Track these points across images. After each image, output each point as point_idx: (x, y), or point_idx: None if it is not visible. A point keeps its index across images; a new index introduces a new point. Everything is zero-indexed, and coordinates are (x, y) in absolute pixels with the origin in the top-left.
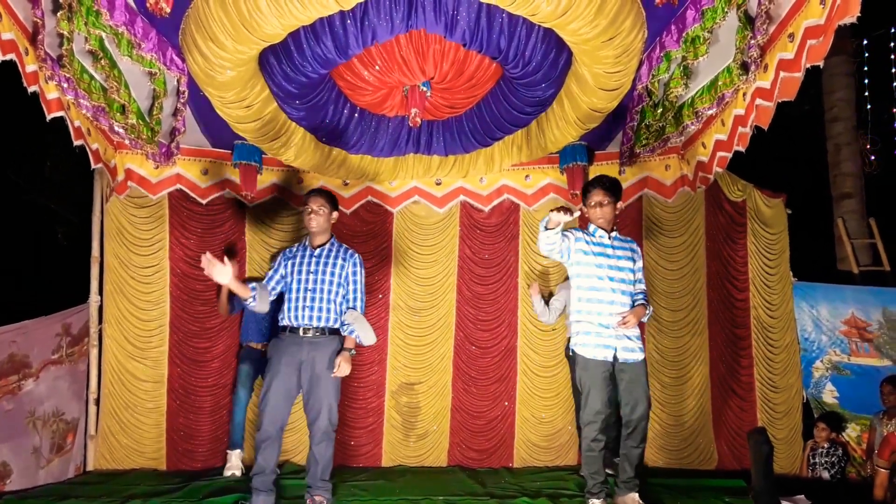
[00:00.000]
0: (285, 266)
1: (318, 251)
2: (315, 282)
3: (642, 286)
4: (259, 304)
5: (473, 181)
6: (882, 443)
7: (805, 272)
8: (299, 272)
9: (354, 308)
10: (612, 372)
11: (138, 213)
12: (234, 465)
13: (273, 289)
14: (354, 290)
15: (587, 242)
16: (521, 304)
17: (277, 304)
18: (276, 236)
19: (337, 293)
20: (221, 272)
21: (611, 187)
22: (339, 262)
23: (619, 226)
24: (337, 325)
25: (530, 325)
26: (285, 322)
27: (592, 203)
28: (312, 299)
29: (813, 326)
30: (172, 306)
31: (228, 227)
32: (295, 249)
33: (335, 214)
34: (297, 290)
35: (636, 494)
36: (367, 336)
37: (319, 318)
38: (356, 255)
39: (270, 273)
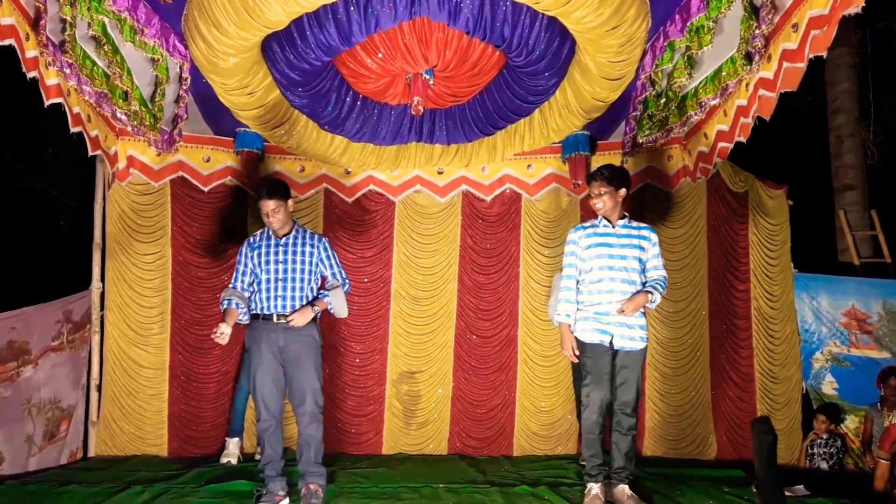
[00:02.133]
0: (251, 258)
1: (283, 240)
2: (285, 271)
3: (659, 273)
4: (246, 311)
5: (475, 170)
6: (883, 434)
7: (806, 263)
8: (267, 262)
9: (337, 283)
10: (612, 358)
11: (140, 200)
12: (230, 452)
13: (247, 288)
14: (334, 269)
15: (588, 236)
16: (523, 293)
17: None
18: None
19: (308, 280)
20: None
21: (609, 176)
22: (308, 248)
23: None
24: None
25: (531, 315)
26: (258, 311)
27: (593, 194)
28: (284, 288)
29: (813, 318)
30: (174, 293)
31: (230, 214)
32: (258, 239)
33: (291, 203)
34: (268, 281)
35: (626, 486)
36: (339, 307)
37: (294, 307)
38: (323, 238)
39: (240, 270)
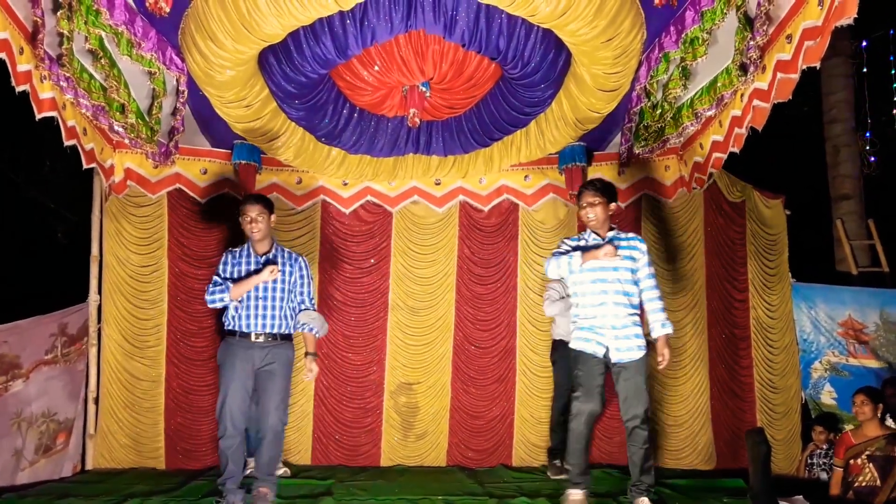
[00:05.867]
0: (233, 271)
1: (263, 258)
2: (265, 290)
3: (656, 293)
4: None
5: (473, 181)
6: (837, 442)
7: (804, 273)
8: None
9: (309, 308)
10: (607, 370)
11: (137, 213)
12: (252, 466)
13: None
14: (305, 293)
15: (578, 248)
16: (521, 304)
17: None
18: (275, 235)
19: (287, 299)
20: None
21: (601, 188)
22: (287, 268)
23: (618, 226)
24: (288, 331)
25: (529, 326)
26: (235, 327)
27: (583, 205)
28: (264, 307)
29: (811, 327)
30: (170, 305)
31: (227, 226)
32: (238, 255)
33: (274, 218)
34: (248, 298)
35: (645, 498)
36: (323, 329)
37: (273, 326)
38: (301, 257)
39: (221, 276)
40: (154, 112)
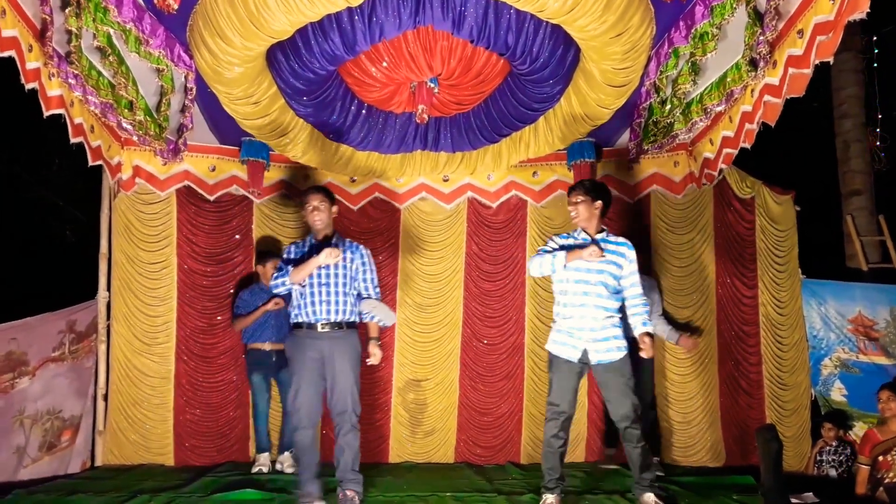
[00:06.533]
0: (295, 261)
1: (323, 243)
2: (328, 276)
3: (641, 298)
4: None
5: (481, 178)
6: (862, 440)
7: (814, 269)
8: None
9: (372, 297)
10: (585, 372)
11: (146, 210)
12: (262, 463)
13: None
14: (368, 280)
15: (568, 247)
16: (529, 300)
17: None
18: (284, 232)
19: (349, 285)
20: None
21: (589, 187)
22: (348, 254)
23: (626, 222)
24: (353, 318)
25: (538, 322)
26: (301, 319)
27: (570, 202)
28: (328, 293)
29: (821, 324)
30: (180, 302)
31: (236, 223)
32: (302, 245)
33: (335, 209)
34: (311, 286)
35: (651, 494)
36: (389, 318)
37: (337, 312)
38: (361, 246)
39: (286, 262)
40: (162, 109)
